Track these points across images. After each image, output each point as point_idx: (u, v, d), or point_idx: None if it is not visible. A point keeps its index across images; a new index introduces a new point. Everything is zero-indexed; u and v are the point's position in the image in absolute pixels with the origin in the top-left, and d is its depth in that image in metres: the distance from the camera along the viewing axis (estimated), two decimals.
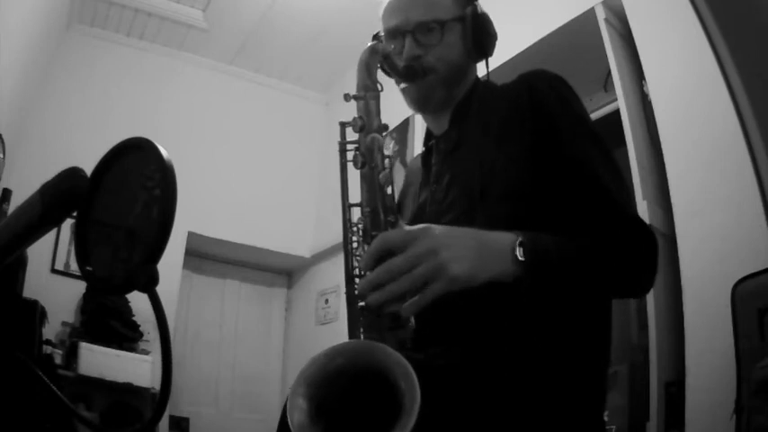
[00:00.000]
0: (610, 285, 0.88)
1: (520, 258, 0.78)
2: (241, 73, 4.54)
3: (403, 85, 1.06)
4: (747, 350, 1.54)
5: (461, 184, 1.01)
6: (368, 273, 0.77)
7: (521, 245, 0.78)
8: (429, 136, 1.16)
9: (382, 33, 1.12)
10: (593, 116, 2.97)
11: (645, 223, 0.89)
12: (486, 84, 1.13)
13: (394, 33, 1.07)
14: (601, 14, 2.42)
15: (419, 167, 1.18)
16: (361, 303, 0.85)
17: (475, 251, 0.76)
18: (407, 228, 0.79)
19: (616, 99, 2.35)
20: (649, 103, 2.15)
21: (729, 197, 1.81)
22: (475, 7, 1.09)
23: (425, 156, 1.15)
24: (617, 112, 2.35)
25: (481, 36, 1.08)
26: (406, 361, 0.72)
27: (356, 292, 0.88)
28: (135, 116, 3.90)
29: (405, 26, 1.05)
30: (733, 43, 1.87)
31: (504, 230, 0.81)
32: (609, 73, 2.42)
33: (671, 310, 1.93)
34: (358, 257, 0.92)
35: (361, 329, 0.86)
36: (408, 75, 1.03)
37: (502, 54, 2.79)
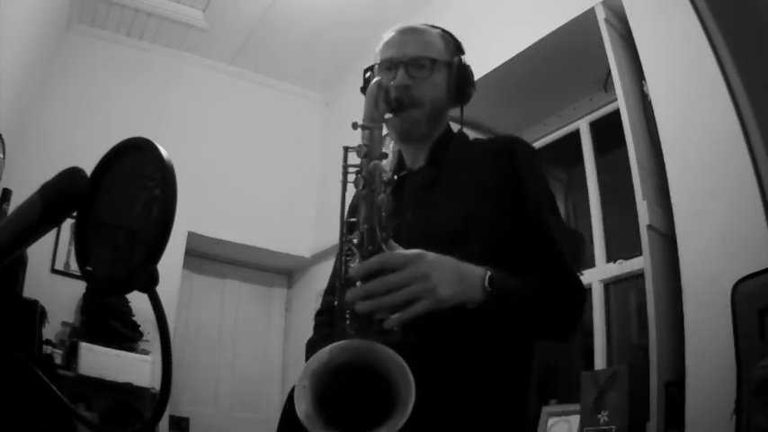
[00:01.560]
0: (545, 325, 1.07)
1: (487, 289, 0.95)
2: (241, 73, 4.54)
3: (389, 116, 1.14)
4: (747, 350, 1.54)
5: (437, 221, 1.14)
6: (359, 283, 0.90)
7: (489, 279, 0.96)
8: (401, 166, 1.26)
9: (376, 65, 1.23)
10: (593, 116, 2.98)
11: (579, 279, 1.10)
12: (461, 134, 1.28)
13: (389, 65, 1.20)
14: (601, 14, 2.42)
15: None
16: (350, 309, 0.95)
17: (456, 279, 0.93)
18: (405, 251, 0.93)
19: (616, 99, 2.35)
20: (649, 103, 2.15)
21: (729, 197, 1.82)
22: (461, 58, 1.24)
23: (397, 184, 1.24)
24: (617, 112, 2.35)
25: (463, 82, 1.23)
26: (401, 359, 0.84)
27: (346, 298, 0.95)
28: (135, 116, 3.90)
29: (400, 58, 1.19)
30: (733, 43, 1.87)
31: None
32: (609, 73, 2.42)
33: (671, 310, 1.93)
34: (351, 267, 1.00)
35: (351, 334, 0.95)
36: (397, 107, 1.13)
37: (502, 54, 2.82)
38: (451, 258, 0.95)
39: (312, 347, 1.19)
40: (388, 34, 1.25)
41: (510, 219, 1.11)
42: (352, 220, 1.03)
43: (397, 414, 0.79)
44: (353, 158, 1.04)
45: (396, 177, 1.25)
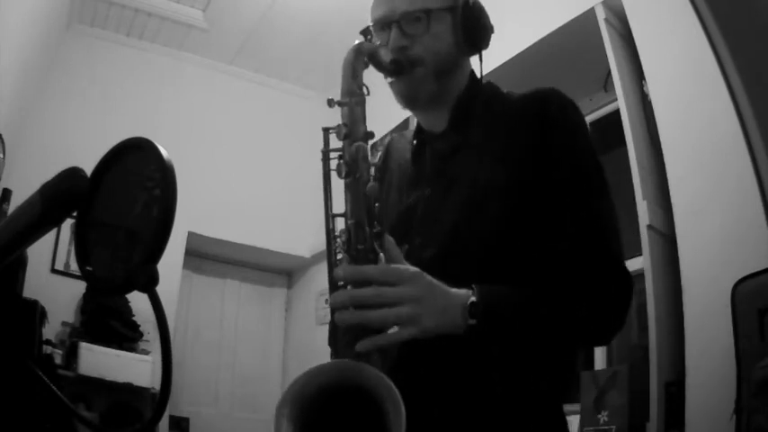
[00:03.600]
0: (570, 337, 0.92)
1: (469, 319, 0.81)
2: (241, 73, 4.54)
3: (390, 80, 1.01)
4: (747, 350, 1.54)
5: (455, 196, 0.99)
6: (348, 286, 0.80)
7: (471, 305, 0.81)
8: (420, 130, 1.11)
9: (371, 26, 1.08)
10: (594, 116, 2.98)
11: (624, 269, 0.90)
12: (490, 87, 1.09)
13: (381, 25, 1.03)
14: (601, 14, 2.42)
15: (403, 156, 1.13)
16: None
17: (441, 309, 0.81)
18: (404, 267, 0.82)
19: (616, 99, 2.35)
20: (649, 103, 2.15)
21: (729, 197, 1.81)
22: None
23: (416, 152, 1.10)
24: (617, 112, 2.35)
25: (473, 27, 1.03)
26: (389, 379, 0.73)
27: (331, 302, 0.86)
28: (135, 116, 3.90)
29: (391, 16, 1.01)
30: (733, 43, 1.87)
31: (491, 249, 0.87)
32: (609, 73, 2.42)
33: (671, 310, 1.93)
34: (337, 267, 0.89)
35: (344, 345, 0.85)
36: (395, 69, 0.99)
37: (502, 54, 2.82)
38: (441, 285, 0.83)
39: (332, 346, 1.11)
40: None
41: (539, 189, 0.93)
42: (339, 213, 0.90)
43: None
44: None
45: (415, 143, 1.10)
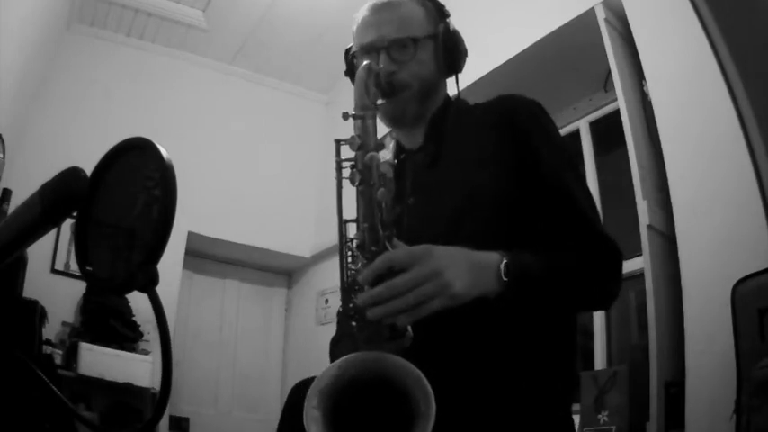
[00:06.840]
0: (581, 299, 1.00)
1: (503, 278, 0.87)
2: (241, 73, 4.54)
3: (380, 101, 1.06)
4: (747, 350, 1.53)
5: (441, 200, 1.06)
6: (367, 287, 0.83)
7: (505, 266, 0.87)
8: (400, 149, 1.19)
9: (354, 49, 1.16)
10: (594, 116, 2.98)
11: (612, 240, 0.99)
12: (459, 102, 1.18)
13: (368, 49, 1.11)
14: (601, 14, 2.42)
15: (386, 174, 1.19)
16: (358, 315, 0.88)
17: (470, 271, 0.84)
18: (409, 248, 0.85)
19: (616, 99, 2.35)
20: (649, 103, 2.15)
21: (729, 197, 1.81)
22: (447, 24, 1.14)
23: (398, 168, 1.17)
24: (617, 112, 2.35)
25: (452, 53, 1.14)
26: (417, 369, 0.78)
27: (351, 305, 0.90)
28: (135, 116, 3.89)
29: (379, 43, 1.09)
30: (733, 43, 1.87)
31: (484, 247, 0.89)
32: (609, 73, 2.42)
33: (671, 310, 1.93)
34: (353, 271, 0.95)
35: (361, 342, 0.88)
36: (389, 91, 1.06)
37: (502, 54, 2.82)
38: (461, 249, 0.86)
39: (335, 345, 1.15)
40: (362, 13, 1.15)
41: (520, 187, 1.01)
42: (351, 219, 0.95)
43: (418, 427, 0.73)
44: (348, 153, 0.95)
45: (396, 162, 1.17)
